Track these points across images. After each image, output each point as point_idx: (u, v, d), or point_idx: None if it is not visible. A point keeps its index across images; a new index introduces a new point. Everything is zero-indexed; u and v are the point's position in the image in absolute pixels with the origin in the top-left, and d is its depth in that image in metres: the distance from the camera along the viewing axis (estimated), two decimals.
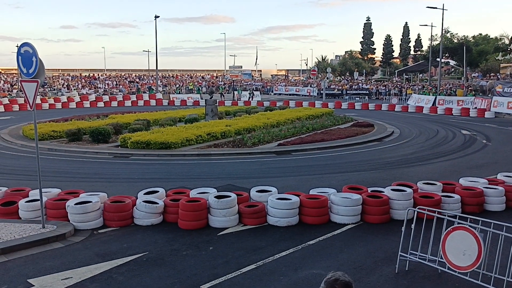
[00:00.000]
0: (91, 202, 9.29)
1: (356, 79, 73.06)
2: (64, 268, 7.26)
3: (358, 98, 49.81)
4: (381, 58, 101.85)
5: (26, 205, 9.54)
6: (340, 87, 60.37)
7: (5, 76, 56.06)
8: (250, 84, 70.31)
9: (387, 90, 56.66)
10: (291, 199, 9.51)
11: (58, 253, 7.96)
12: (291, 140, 20.70)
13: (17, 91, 43.78)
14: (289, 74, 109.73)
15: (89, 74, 66.18)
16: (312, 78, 68.43)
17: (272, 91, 65.28)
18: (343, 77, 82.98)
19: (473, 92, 41.18)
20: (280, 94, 62.73)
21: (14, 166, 15.97)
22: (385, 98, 49.96)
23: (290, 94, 60.66)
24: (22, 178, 13.51)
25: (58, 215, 9.33)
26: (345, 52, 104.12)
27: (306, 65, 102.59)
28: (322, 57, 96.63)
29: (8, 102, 39.43)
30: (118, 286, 6.62)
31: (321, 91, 51.85)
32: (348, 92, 56.03)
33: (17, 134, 23.19)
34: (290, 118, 27.27)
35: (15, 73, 57.22)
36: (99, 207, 9.39)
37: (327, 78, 62.14)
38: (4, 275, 7.01)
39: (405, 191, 9.98)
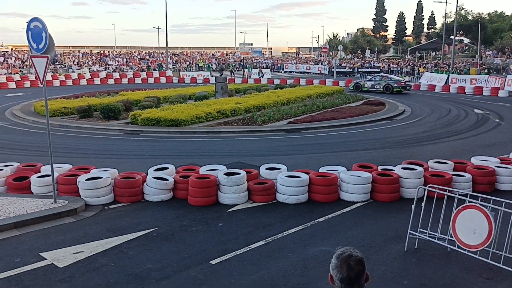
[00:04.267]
0: (102, 178, 9.36)
1: (368, 57, 72.19)
2: (75, 242, 7.36)
3: (370, 77, 49.27)
4: (394, 35, 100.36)
5: (38, 180, 9.65)
6: (352, 65, 59.71)
7: (16, 53, 56.19)
8: (260, 61, 69.83)
9: (399, 68, 55.98)
10: (300, 177, 9.50)
11: (69, 228, 8.07)
12: (301, 118, 20.59)
13: (28, 68, 43.92)
14: (300, 52, 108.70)
15: (99, 51, 66.11)
16: (323, 56, 67.75)
17: (283, 69, 64.78)
18: (354, 55, 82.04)
19: (487, 71, 40.51)
20: (290, 72, 62.24)
21: (26, 142, 16.11)
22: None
23: (300, 72, 60.17)
24: (34, 154, 13.64)
25: (70, 191, 9.43)
26: (357, 29, 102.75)
27: (317, 42, 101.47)
28: (333, 34, 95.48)
29: (20, 79, 39.56)
30: (128, 260, 6.71)
31: (332, 69, 51.34)
32: (359, 70, 55.36)
33: (29, 111, 23.35)
34: (300, 96, 27.08)
35: (26, 50, 57.30)
36: (109, 183, 9.47)
37: (338, 56, 61.44)
38: (17, 248, 7.13)
39: (416, 169, 9.91)
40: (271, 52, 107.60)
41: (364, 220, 8.44)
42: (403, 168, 10.01)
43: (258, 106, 22.75)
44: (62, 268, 6.42)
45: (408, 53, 78.45)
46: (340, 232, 7.87)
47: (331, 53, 79.24)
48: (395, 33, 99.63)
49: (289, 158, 13.14)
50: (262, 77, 47.11)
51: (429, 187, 7.42)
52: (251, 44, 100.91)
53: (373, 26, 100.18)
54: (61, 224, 8.20)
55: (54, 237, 7.61)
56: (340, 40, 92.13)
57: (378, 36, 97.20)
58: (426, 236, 6.97)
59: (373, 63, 61.04)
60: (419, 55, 73.44)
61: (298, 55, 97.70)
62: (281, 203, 9.34)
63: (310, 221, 8.32)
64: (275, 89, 31.24)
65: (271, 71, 56.99)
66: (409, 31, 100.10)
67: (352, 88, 34.77)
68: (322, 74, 51.40)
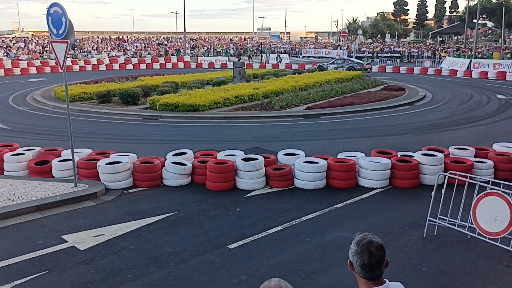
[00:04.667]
0: (121, 162, 9.46)
1: (388, 42, 71.08)
2: (96, 225, 7.48)
3: (390, 61, 48.53)
4: (415, 19, 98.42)
5: (59, 165, 9.80)
6: (371, 50, 58.90)
7: (37, 39, 56.80)
8: (278, 46, 69.35)
9: (419, 52, 55.01)
10: (318, 163, 9.46)
11: (90, 211, 8.20)
12: (320, 104, 20.45)
13: (48, 53, 44.39)
14: (318, 37, 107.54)
15: (118, 37, 66.37)
16: (342, 41, 66.94)
17: (301, 54, 64.28)
18: (374, 39, 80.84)
19: (511, 55, 39.54)
20: (309, 57, 61.72)
21: (47, 127, 16.36)
22: (418, 61, 48.49)
23: (319, 57, 59.58)
24: (54, 138, 13.84)
25: (90, 175, 9.56)
26: (377, 13, 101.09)
27: (336, 27, 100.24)
28: (353, 18, 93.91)
29: (40, 64, 40.03)
30: (148, 244, 6.80)
31: (351, 54, 50.74)
32: (379, 55, 54.62)
33: (49, 96, 23.65)
34: (319, 81, 26.86)
35: (46, 36, 57.85)
36: (129, 168, 9.57)
37: (358, 41, 60.62)
38: (39, 231, 7.29)
39: (436, 155, 9.78)
40: (289, 37, 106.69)
41: (382, 207, 8.39)
42: (423, 154, 9.89)
43: (276, 91, 22.64)
44: (83, 251, 6.55)
45: (430, 37, 76.94)
46: (358, 218, 7.84)
47: (350, 38, 78.23)
48: (416, 16, 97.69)
49: (307, 143, 13.09)
50: (280, 62, 46.83)
51: (449, 173, 7.32)
52: (269, 29, 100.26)
53: (393, 10, 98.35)
54: (81, 208, 8.34)
55: (75, 220, 7.74)
56: (360, 24, 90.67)
57: (398, 20, 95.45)
58: (445, 223, 6.90)
59: (393, 48, 60.09)
60: (441, 39, 72.04)
61: (317, 39, 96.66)
62: (298, 189, 9.33)
63: (328, 207, 8.31)
64: (293, 74, 31.04)
65: (289, 56, 56.63)
66: (430, 15, 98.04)
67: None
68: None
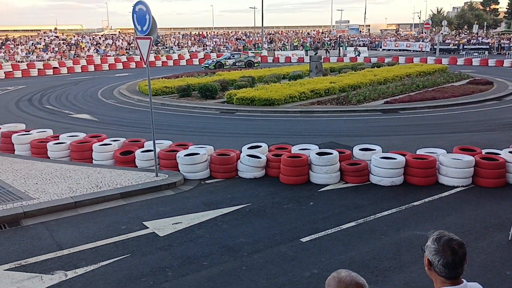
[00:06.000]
0: (199, 154, 9.80)
1: (476, 33, 66.97)
2: (174, 213, 7.83)
3: (477, 54, 45.65)
4: (506, 8, 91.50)
5: (141, 155, 10.34)
6: (456, 42, 55.79)
7: (123, 35, 59.96)
8: (356, 39, 67.81)
9: (511, 44, 51.28)
10: (396, 159, 9.19)
11: (169, 200, 8.59)
12: (399, 98, 19.78)
13: (133, 49, 46.71)
14: (399, 29, 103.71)
15: (198, 32, 68.35)
16: (425, 33, 64.11)
17: (380, 47, 62.38)
18: (460, 30, 76.55)
19: None
20: (389, 50, 59.73)
21: (131, 119, 17.30)
22: (508, 54, 45.24)
23: (399, 50, 57.49)
24: (138, 130, 14.62)
25: (170, 165, 10.00)
26: (464, 3, 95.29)
27: (419, 18, 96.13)
28: (437, 9, 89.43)
29: (126, 60, 42.26)
30: (222, 233, 7.00)
31: (435, 46, 48.44)
32: (465, 47, 51.56)
33: (134, 90, 24.96)
34: (398, 75, 25.96)
35: (132, 33, 60.92)
36: (206, 159, 9.89)
37: (442, 32, 57.72)
38: (123, 217, 7.76)
39: None
40: (369, 29, 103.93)
41: (463, 206, 7.99)
42: (510, 152, 9.27)
43: (353, 85, 22.22)
44: (162, 237, 6.88)
45: None
46: (437, 217, 7.53)
47: (433, 29, 74.66)
48: (508, 5, 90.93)
49: (384, 139, 12.75)
50: (359, 56, 45.81)
51: None
52: (348, 21, 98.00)
53: None
54: (161, 196, 8.76)
55: (156, 208, 8.15)
56: (445, 15, 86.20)
57: (488, 9, 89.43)
58: None
59: (481, 39, 56.51)
60: None
61: (398, 32, 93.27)
62: (374, 185, 9.13)
63: (404, 204, 8.06)
64: (372, 68, 30.26)
65: (368, 49, 55.21)
66: None
67: (213, 67, 34.54)
68: (423, 51, 48.77)
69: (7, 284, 5.57)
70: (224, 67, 35.18)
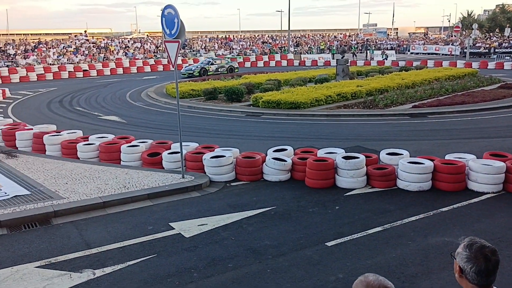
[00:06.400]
0: (224, 156, 9.86)
1: (507, 36, 65.34)
2: (200, 215, 7.89)
3: (509, 57, 44.47)
4: None
5: (168, 157, 10.46)
6: (487, 45, 54.56)
7: (152, 39, 60.80)
8: (384, 43, 67.06)
9: None
10: (424, 164, 9.05)
11: (195, 202, 8.66)
12: (428, 102, 19.47)
13: (161, 52, 47.33)
14: (428, 32, 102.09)
15: (225, 36, 68.78)
16: (454, 36, 62.92)
17: (409, 50, 61.59)
18: (491, 33, 74.82)
19: None
20: (417, 53, 58.91)
21: (158, 121, 17.52)
22: None
23: (428, 54, 56.60)
24: (165, 132, 14.80)
25: (196, 167, 10.09)
26: (496, 5, 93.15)
27: (449, 21, 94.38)
28: (467, 12, 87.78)
29: (154, 63, 42.86)
30: (247, 235, 7.02)
31: (465, 50, 47.51)
32: (496, 50, 50.37)
33: (161, 92, 25.28)
34: (427, 79, 25.57)
35: (160, 36, 61.73)
36: (231, 162, 9.93)
37: (472, 35, 56.54)
38: (150, 217, 7.86)
39: None
40: (397, 32, 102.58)
41: (494, 213, 7.81)
42: None
43: (380, 89, 21.99)
44: (188, 238, 6.94)
45: None
46: (466, 223, 7.38)
47: (464, 33, 73.22)
48: None
49: (412, 143, 12.57)
50: (386, 59, 45.29)
51: None
52: (375, 25, 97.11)
53: None
54: (187, 198, 8.84)
55: (182, 209, 8.23)
56: (475, 18, 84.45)
57: None
58: None
59: None
60: None
61: (426, 35, 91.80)
62: (401, 190, 9.01)
63: (432, 210, 7.92)
64: (400, 71, 29.89)
65: (396, 53, 54.53)
66: None
67: (197, 74, 33.30)
68: (453, 55, 47.84)
69: (37, 281, 5.72)
70: (208, 73, 34.15)
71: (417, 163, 9.13)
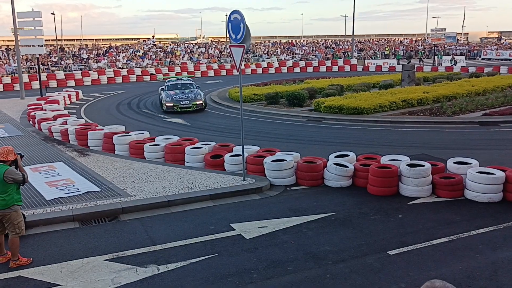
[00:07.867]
0: (285, 160, 9.89)
1: None
2: (260, 217, 7.96)
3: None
4: None
5: (230, 159, 10.65)
6: None
7: (216, 44, 62.15)
8: (453, 48, 64.50)
9: None
10: (494, 174, 8.62)
11: (255, 204, 8.76)
12: (500, 110, 18.49)
13: (225, 57, 48.24)
14: (502, 37, 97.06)
15: (287, 41, 68.97)
16: None
17: (480, 56, 58.80)
18: None
19: None
20: (489, 59, 56.10)
21: (221, 124, 17.87)
22: None
23: (501, 59, 53.77)
24: (227, 135, 15.07)
25: (257, 170, 10.19)
26: None
27: None
28: None
29: (217, 68, 43.73)
30: (307, 240, 7.00)
31: None
32: None
33: (224, 96, 25.74)
34: (499, 86, 24.31)
35: (223, 41, 62.94)
36: (292, 166, 9.95)
37: None
38: (211, 217, 8.04)
39: None
40: (467, 37, 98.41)
41: None
42: None
43: (448, 95, 21.16)
44: (248, 240, 7.04)
45: None
46: None
47: None
48: None
49: (481, 153, 12.00)
50: (455, 65, 43.50)
51: None
52: (444, 29, 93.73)
53: None
54: (248, 200, 8.96)
55: (242, 211, 8.35)
56: None
57: None
58: None
59: None
60: None
61: (500, 40, 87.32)
62: (469, 201, 8.63)
63: (503, 222, 7.53)
64: (469, 78, 28.64)
65: (466, 58, 52.22)
66: None
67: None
68: None
69: (105, 273, 6.02)
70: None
71: (487, 173, 8.72)
